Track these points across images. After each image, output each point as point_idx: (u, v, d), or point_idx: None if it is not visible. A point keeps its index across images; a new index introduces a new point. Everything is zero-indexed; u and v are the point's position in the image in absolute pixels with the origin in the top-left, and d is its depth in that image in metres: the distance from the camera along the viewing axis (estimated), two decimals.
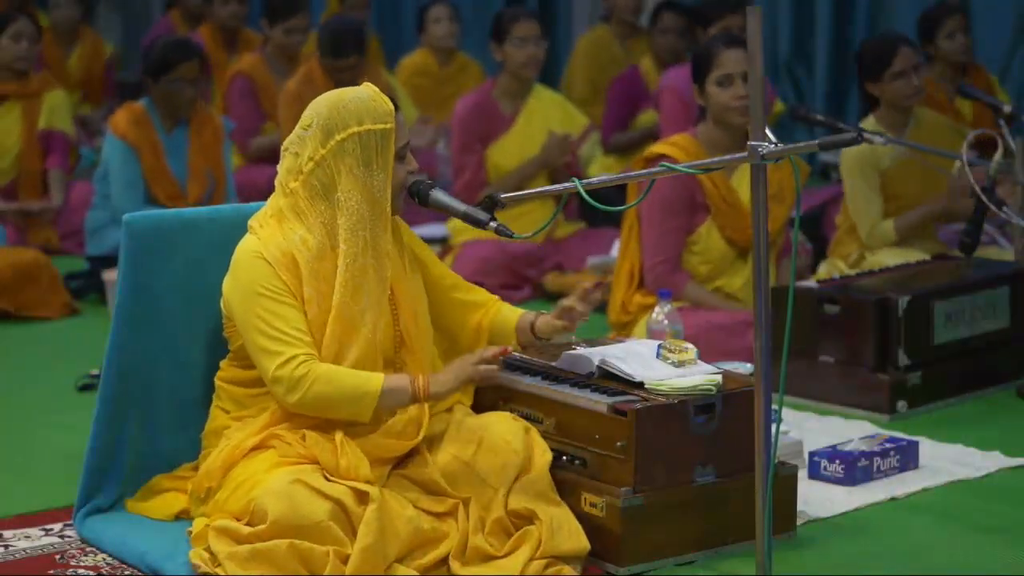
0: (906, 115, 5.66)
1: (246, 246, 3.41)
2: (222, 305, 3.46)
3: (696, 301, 5.11)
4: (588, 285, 3.54)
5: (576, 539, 3.36)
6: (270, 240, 3.39)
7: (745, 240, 5.07)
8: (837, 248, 5.85)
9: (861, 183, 5.64)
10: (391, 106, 3.40)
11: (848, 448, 4.13)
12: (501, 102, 6.56)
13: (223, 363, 3.56)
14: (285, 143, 3.47)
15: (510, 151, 6.49)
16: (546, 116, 6.57)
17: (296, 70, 7.54)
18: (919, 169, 5.63)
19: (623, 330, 5.19)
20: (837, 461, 4.07)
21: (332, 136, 3.37)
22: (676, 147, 5.00)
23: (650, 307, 4.78)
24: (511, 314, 3.67)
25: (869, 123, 5.66)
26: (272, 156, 7.44)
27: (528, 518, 3.35)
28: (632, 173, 3.57)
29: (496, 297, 3.74)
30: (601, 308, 5.47)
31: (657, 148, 5.07)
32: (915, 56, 5.60)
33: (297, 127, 3.45)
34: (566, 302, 3.56)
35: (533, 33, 6.44)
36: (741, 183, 5.08)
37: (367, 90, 3.44)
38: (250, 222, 3.46)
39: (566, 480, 3.49)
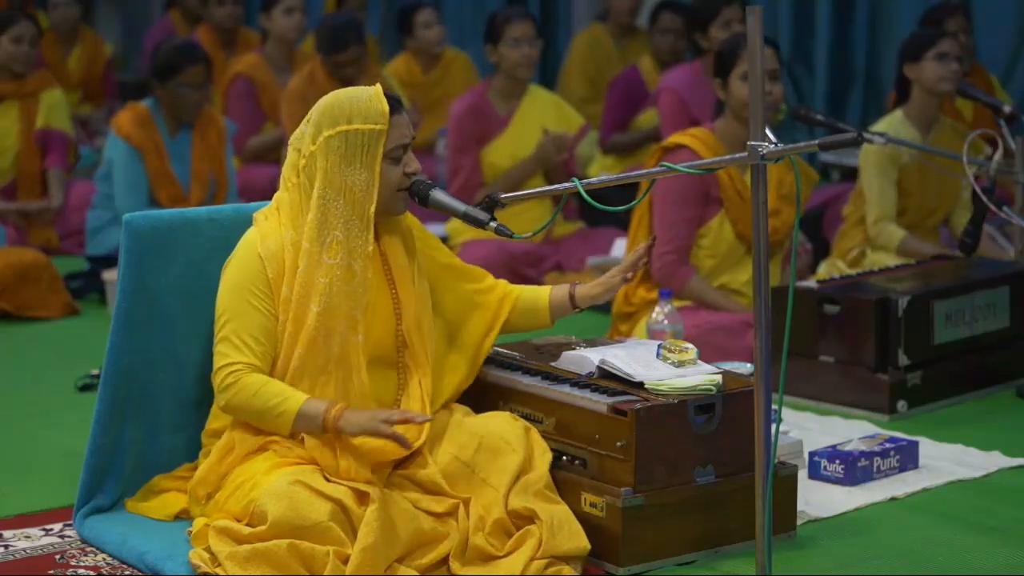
0: (935, 109, 5.68)
1: (248, 239, 3.45)
2: None
3: (698, 296, 5.10)
4: (642, 248, 3.60)
5: (576, 539, 3.36)
6: (270, 234, 3.42)
7: None
8: (841, 240, 5.86)
9: (878, 176, 5.65)
10: (386, 108, 3.39)
11: (848, 448, 4.13)
12: (496, 103, 6.54)
13: None
14: (291, 139, 3.48)
15: (505, 151, 6.47)
16: (541, 116, 6.54)
17: (296, 68, 7.53)
18: (936, 170, 5.64)
19: (624, 322, 5.18)
20: (837, 461, 4.07)
21: (321, 133, 3.39)
22: (695, 139, 5.01)
23: (653, 302, 4.77)
24: (541, 292, 3.71)
25: (896, 118, 5.69)
26: (269, 155, 7.50)
27: (528, 518, 3.35)
28: (632, 173, 3.57)
29: (503, 280, 3.75)
30: (605, 307, 5.47)
31: (676, 138, 5.07)
32: (959, 49, 5.67)
33: (302, 123, 3.47)
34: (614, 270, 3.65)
35: (528, 34, 6.38)
36: None
37: (369, 90, 3.43)
38: (256, 214, 3.50)
39: (566, 480, 3.49)
